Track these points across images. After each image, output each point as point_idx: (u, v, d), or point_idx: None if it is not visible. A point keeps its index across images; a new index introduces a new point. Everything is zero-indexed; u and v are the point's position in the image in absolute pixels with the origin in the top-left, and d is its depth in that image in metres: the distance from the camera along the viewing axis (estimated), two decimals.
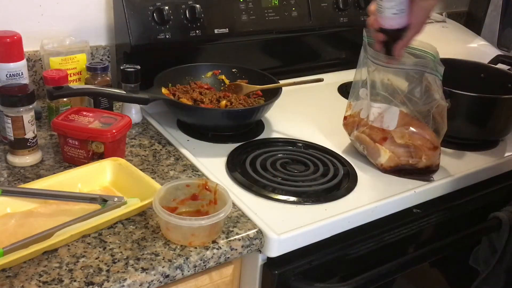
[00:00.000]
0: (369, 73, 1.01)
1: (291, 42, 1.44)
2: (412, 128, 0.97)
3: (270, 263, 0.83)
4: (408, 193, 0.96)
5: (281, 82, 1.19)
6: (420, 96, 0.98)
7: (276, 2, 1.34)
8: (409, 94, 0.99)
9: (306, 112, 1.26)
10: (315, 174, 0.97)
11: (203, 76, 1.24)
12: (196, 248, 0.77)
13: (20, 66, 1.00)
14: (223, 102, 1.13)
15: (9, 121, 0.91)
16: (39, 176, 0.90)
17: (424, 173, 0.99)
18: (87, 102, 1.12)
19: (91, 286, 0.68)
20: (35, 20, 1.17)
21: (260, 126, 1.16)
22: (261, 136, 1.12)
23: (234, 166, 0.98)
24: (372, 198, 0.92)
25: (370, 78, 1.01)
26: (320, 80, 1.16)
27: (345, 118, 1.09)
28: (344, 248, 0.90)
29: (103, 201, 0.82)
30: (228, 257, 0.79)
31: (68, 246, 0.75)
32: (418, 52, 0.99)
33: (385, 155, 0.98)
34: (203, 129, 1.10)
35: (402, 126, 0.98)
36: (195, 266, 0.76)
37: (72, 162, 0.95)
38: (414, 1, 0.89)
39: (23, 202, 0.81)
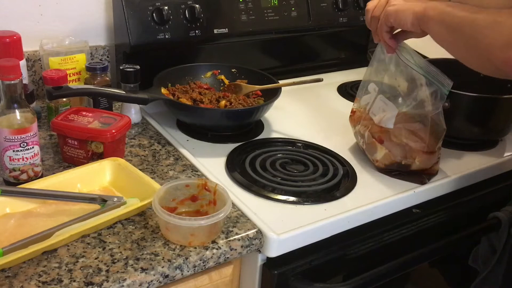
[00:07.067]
0: (378, 72, 1.02)
1: (291, 42, 1.44)
2: (410, 129, 0.97)
3: (270, 263, 0.83)
4: (408, 193, 0.96)
5: (281, 82, 1.19)
6: (422, 99, 0.98)
7: (276, 2, 1.34)
8: (412, 95, 0.98)
9: (305, 112, 1.26)
10: (315, 174, 0.97)
11: (202, 76, 1.24)
12: (195, 248, 0.77)
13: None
14: (223, 102, 1.13)
15: None
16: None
17: (418, 175, 0.99)
18: (87, 102, 1.12)
19: (90, 286, 0.68)
20: (35, 20, 1.17)
21: (259, 126, 1.16)
22: (261, 136, 1.12)
23: (233, 166, 0.98)
24: (371, 198, 0.92)
25: (378, 78, 1.01)
26: (320, 80, 1.16)
27: (352, 111, 1.10)
28: (344, 248, 0.90)
29: (103, 201, 0.82)
30: (228, 257, 0.79)
31: (68, 246, 0.75)
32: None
33: (381, 152, 0.98)
34: (203, 129, 1.10)
35: (402, 125, 0.97)
36: (194, 266, 0.76)
37: (72, 162, 0.95)
38: None
39: (22, 202, 0.81)
